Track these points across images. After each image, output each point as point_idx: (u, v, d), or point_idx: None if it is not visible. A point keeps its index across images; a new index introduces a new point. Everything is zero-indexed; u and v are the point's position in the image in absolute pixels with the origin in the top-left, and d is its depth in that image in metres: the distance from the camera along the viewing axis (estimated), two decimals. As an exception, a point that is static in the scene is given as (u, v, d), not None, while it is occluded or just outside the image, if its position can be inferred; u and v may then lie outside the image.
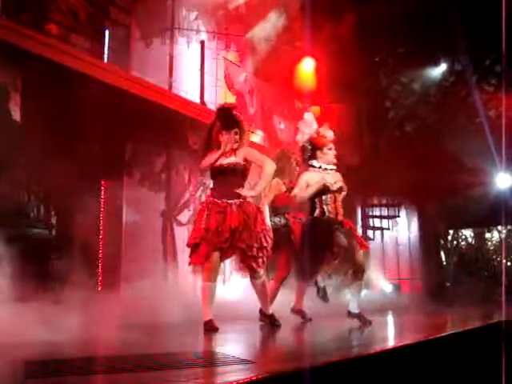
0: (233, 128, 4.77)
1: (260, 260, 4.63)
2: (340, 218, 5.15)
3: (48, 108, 6.03)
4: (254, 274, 4.72)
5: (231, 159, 4.72)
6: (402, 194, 13.59)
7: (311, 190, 5.10)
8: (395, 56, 12.78)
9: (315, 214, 5.12)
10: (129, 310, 4.88)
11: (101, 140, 7.18)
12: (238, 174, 4.75)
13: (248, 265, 4.65)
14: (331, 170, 5.27)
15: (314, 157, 5.29)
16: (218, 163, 4.71)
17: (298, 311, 5.61)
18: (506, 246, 24.95)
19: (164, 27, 8.74)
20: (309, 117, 5.53)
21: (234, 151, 4.76)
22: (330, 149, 5.30)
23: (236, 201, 4.63)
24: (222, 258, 4.68)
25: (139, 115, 6.73)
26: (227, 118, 4.81)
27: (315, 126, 5.41)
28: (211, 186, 4.91)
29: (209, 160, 4.74)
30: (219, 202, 4.61)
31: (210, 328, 4.42)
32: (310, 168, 5.27)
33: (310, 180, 5.15)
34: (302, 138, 5.40)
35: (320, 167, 5.23)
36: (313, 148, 5.30)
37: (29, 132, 5.96)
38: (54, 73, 5.96)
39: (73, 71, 6.16)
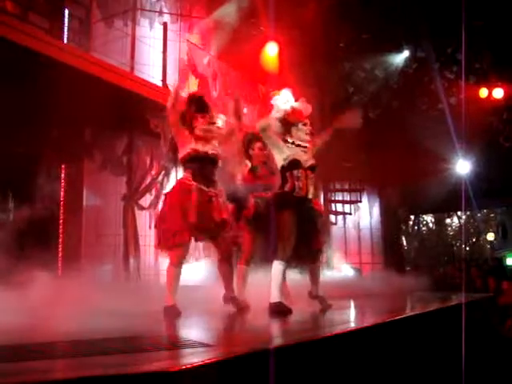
0: (208, 112, 4.85)
1: (232, 245, 4.90)
2: (310, 196, 4.98)
3: (4, 90, 5.88)
4: (228, 259, 4.87)
5: (212, 148, 4.80)
6: (364, 179, 13.75)
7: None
8: (358, 42, 12.83)
9: (285, 188, 4.90)
10: (89, 295, 4.81)
11: (60, 123, 7.05)
12: (216, 163, 4.85)
13: (224, 250, 4.82)
14: (304, 147, 5.05)
15: (288, 133, 5.05)
16: (202, 150, 4.74)
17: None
18: (466, 232, 25.52)
19: (126, 8, 8.60)
20: (285, 92, 5.25)
21: (210, 140, 4.82)
22: (305, 124, 5.09)
23: (218, 191, 4.79)
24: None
25: (100, 97, 6.59)
26: (202, 102, 4.89)
27: (291, 101, 5.16)
28: (187, 170, 4.79)
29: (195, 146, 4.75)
30: (206, 189, 4.67)
31: (174, 313, 4.44)
32: (283, 143, 5.02)
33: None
34: (276, 113, 5.11)
35: (293, 143, 5.01)
36: (287, 124, 5.06)
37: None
38: (10, 53, 5.80)
39: (30, 51, 6.00)
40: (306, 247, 4.97)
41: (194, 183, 4.66)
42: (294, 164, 4.94)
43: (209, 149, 4.78)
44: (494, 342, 6.60)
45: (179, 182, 4.83)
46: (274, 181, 5.37)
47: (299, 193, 4.89)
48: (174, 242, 4.56)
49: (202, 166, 4.75)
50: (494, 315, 7.86)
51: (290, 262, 4.86)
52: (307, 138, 5.10)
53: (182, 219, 4.54)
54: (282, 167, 4.97)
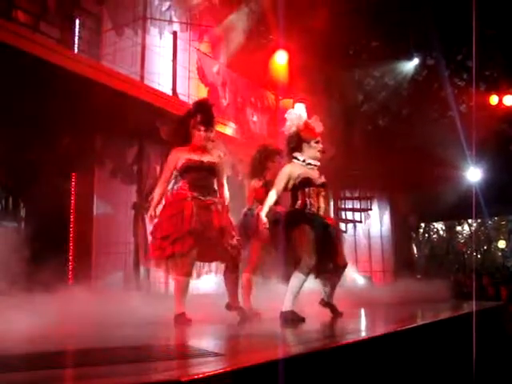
0: (212, 126, 4.83)
1: (239, 256, 4.84)
2: (321, 213, 4.92)
3: (16, 99, 5.91)
4: (233, 269, 4.85)
5: (210, 157, 4.78)
6: (375, 187, 13.70)
7: (289, 184, 4.89)
8: (368, 50, 12.83)
9: (296, 206, 4.87)
10: (99, 303, 4.81)
11: (71, 132, 7.08)
12: (214, 173, 4.82)
13: (229, 261, 4.79)
14: (315, 165, 5.01)
15: (299, 149, 5.01)
16: (198, 159, 4.73)
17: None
18: (476, 239, 25.35)
19: (136, 17, 8.64)
20: (298, 107, 5.27)
21: (209, 150, 4.82)
22: (317, 142, 5.02)
23: (217, 199, 4.76)
24: (204, 257, 4.78)
25: (110, 106, 6.62)
26: (209, 114, 4.84)
27: (304, 117, 5.13)
28: (182, 180, 4.80)
29: (189, 156, 4.74)
30: (203, 198, 4.65)
31: (183, 321, 4.43)
32: (294, 160, 5.00)
33: (292, 173, 4.90)
34: (290, 128, 5.08)
35: (304, 161, 4.97)
36: (299, 140, 5.01)
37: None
38: (21, 62, 5.83)
39: (41, 61, 6.02)
40: (333, 263, 4.95)
41: (190, 192, 4.64)
42: (305, 182, 4.90)
43: (205, 158, 4.76)
44: (508, 351, 6.54)
45: (175, 193, 4.78)
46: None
47: (311, 209, 4.87)
48: (172, 250, 4.50)
49: (198, 176, 4.73)
50: (507, 324, 7.80)
51: (311, 275, 4.84)
52: (318, 155, 5.04)
53: (181, 226, 4.50)
54: (294, 186, 4.91)
